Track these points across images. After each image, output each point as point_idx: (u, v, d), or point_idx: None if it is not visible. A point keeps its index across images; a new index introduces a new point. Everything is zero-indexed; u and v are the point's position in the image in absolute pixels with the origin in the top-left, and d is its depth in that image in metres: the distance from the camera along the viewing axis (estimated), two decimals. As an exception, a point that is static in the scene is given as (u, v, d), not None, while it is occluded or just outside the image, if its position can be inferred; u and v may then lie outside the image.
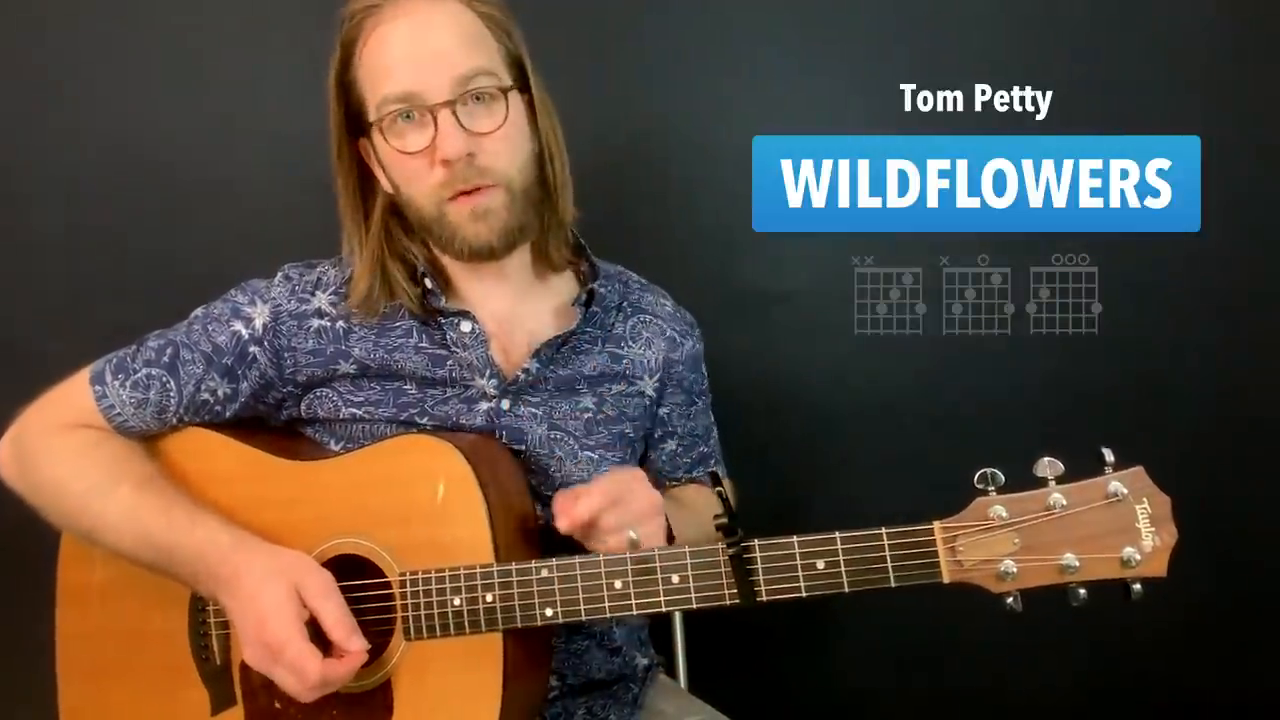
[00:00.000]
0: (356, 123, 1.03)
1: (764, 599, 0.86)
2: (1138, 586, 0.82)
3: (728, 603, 0.87)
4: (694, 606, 0.87)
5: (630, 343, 1.12)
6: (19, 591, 1.25)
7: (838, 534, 0.85)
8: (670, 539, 0.95)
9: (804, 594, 0.85)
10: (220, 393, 1.03)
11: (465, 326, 1.04)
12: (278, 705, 0.96)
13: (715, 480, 0.90)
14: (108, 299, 1.46)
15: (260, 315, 1.04)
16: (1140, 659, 1.50)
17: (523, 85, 1.03)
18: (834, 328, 1.45)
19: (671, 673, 1.30)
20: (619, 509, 0.90)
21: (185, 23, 1.47)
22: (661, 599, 0.88)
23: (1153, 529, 0.81)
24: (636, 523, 0.89)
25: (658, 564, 0.88)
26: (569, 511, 0.89)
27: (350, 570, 0.94)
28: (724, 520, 0.86)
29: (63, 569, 1.05)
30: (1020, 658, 1.48)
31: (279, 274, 1.08)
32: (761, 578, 0.86)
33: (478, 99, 0.98)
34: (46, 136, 1.47)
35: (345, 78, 1.02)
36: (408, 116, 0.98)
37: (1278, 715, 1.50)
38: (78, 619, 1.04)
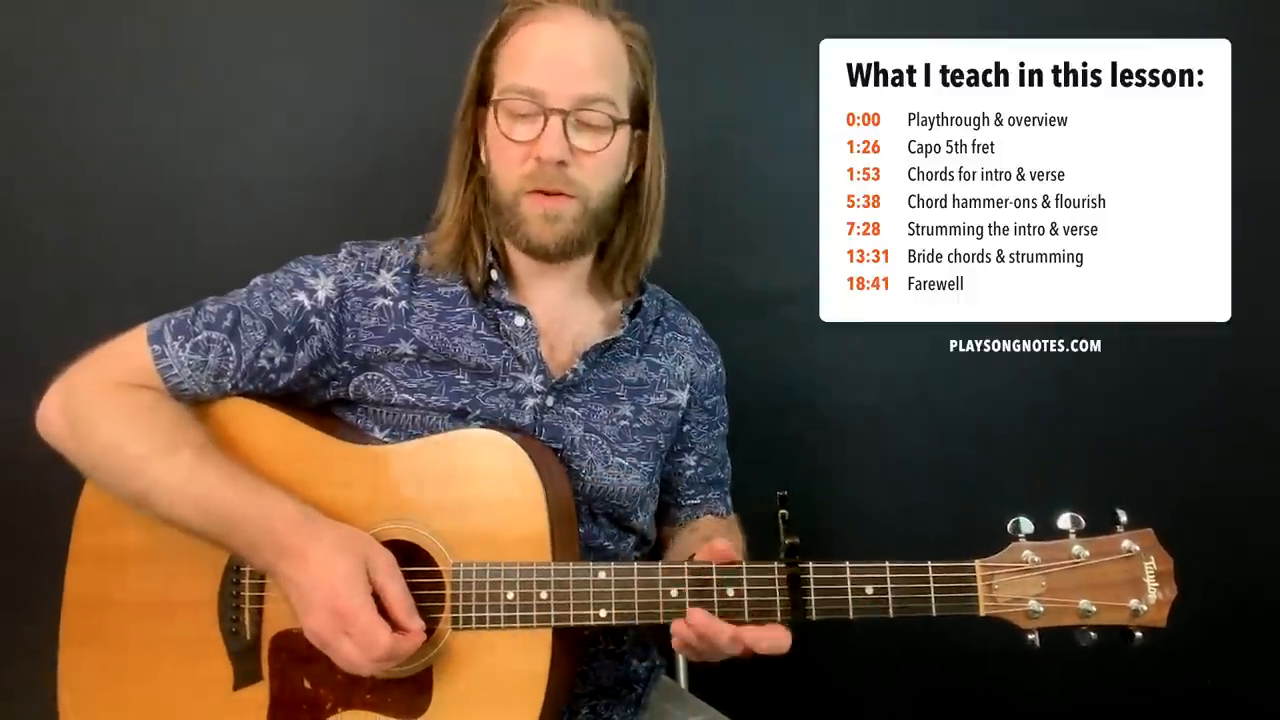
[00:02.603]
0: (483, 94, 1.08)
1: (814, 618, 0.90)
2: (1139, 635, 0.91)
3: (780, 619, 0.90)
4: (746, 620, 0.90)
5: (665, 354, 1.16)
6: (19, 592, 1.24)
7: (887, 564, 0.91)
8: None
9: (851, 616, 0.91)
10: (278, 360, 1.04)
11: (519, 321, 1.08)
12: (308, 684, 0.97)
13: (783, 502, 0.91)
14: (108, 299, 1.44)
15: (324, 288, 1.06)
16: (1140, 660, 1.50)
17: (640, 121, 1.09)
18: (837, 327, 1.46)
19: (672, 673, 1.31)
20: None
21: (185, 23, 1.46)
22: (716, 611, 0.90)
23: (1157, 585, 0.91)
24: None
25: (714, 576, 0.90)
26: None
27: (400, 557, 0.95)
28: (794, 540, 0.89)
29: (78, 530, 1.03)
30: (1020, 660, 1.47)
31: (342, 250, 1.10)
32: (813, 598, 0.90)
33: (589, 123, 1.03)
34: (46, 138, 1.45)
35: (489, 53, 1.08)
36: (523, 108, 1.03)
37: (1277, 717, 1.51)
38: (89, 582, 1.02)
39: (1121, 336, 1.40)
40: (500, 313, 1.08)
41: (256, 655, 0.98)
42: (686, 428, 1.16)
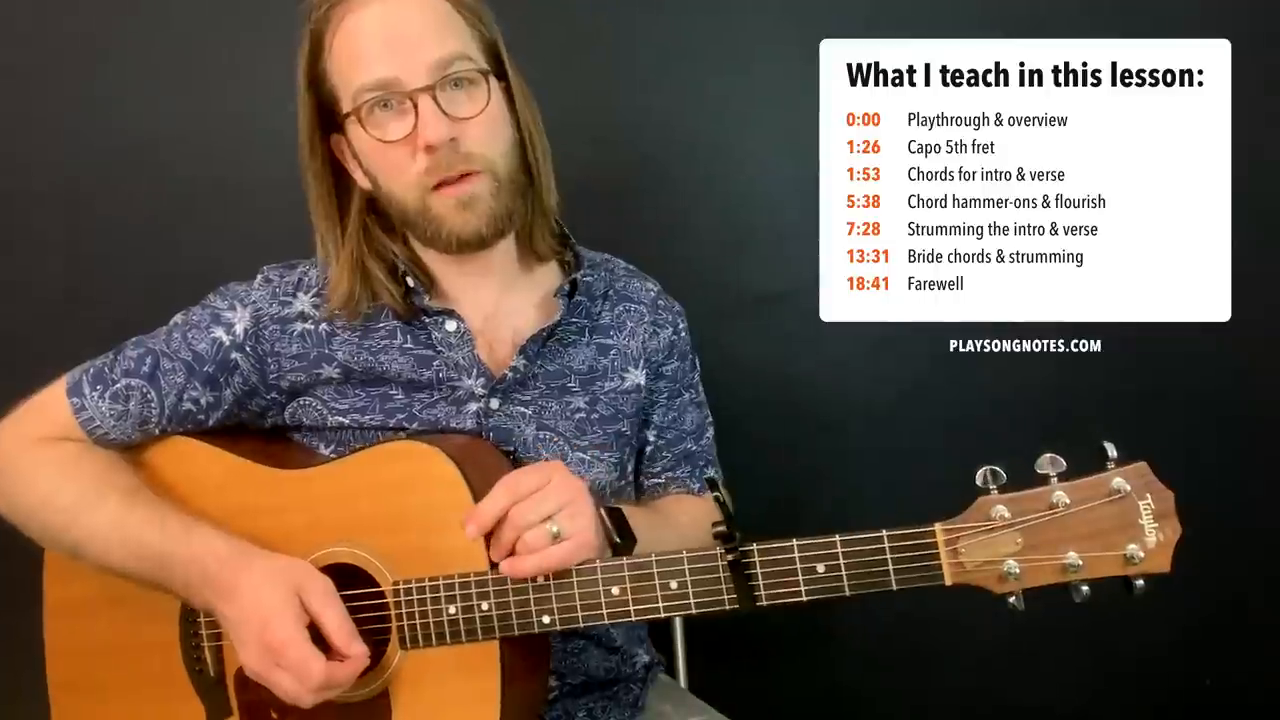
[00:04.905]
0: (329, 118, 1.00)
1: (764, 603, 0.85)
2: (1140, 583, 0.80)
3: (727, 608, 0.85)
4: (693, 612, 0.86)
5: (616, 332, 1.09)
6: (18, 591, 1.24)
7: (837, 537, 0.84)
8: (626, 538, 0.91)
9: (804, 598, 0.84)
10: (203, 401, 1.00)
11: (450, 325, 1.02)
12: (275, 716, 0.95)
13: (713, 485, 0.88)
14: (108, 299, 1.45)
15: (241, 320, 1.01)
16: (1141, 661, 1.51)
17: (499, 72, 1.00)
18: (837, 327, 1.45)
19: (671, 672, 1.31)
20: (531, 502, 0.86)
21: (184, 21, 1.47)
22: (660, 604, 0.87)
23: (1156, 525, 0.79)
24: (556, 511, 0.86)
25: (655, 570, 0.87)
26: (473, 516, 0.87)
27: (344, 579, 0.93)
28: (722, 528, 0.84)
29: (48, 584, 1.03)
30: (1020, 659, 1.49)
31: (259, 276, 1.06)
32: (761, 582, 0.85)
33: (457, 84, 0.95)
34: (46, 136, 1.46)
35: (316, 71, 0.99)
36: (385, 105, 0.95)
37: (1278, 717, 1.51)
38: (66, 633, 1.02)
39: (1121, 336, 1.39)
40: (429, 320, 1.02)
41: (224, 691, 0.96)
42: (649, 400, 1.11)
